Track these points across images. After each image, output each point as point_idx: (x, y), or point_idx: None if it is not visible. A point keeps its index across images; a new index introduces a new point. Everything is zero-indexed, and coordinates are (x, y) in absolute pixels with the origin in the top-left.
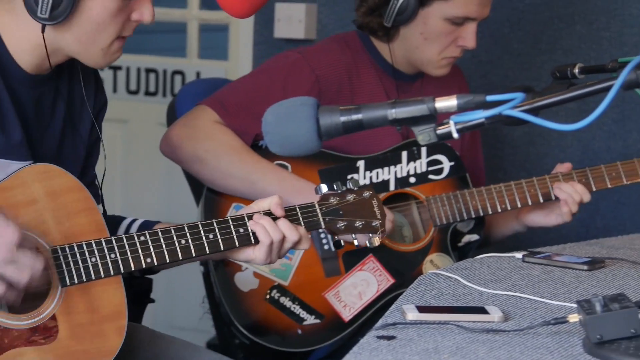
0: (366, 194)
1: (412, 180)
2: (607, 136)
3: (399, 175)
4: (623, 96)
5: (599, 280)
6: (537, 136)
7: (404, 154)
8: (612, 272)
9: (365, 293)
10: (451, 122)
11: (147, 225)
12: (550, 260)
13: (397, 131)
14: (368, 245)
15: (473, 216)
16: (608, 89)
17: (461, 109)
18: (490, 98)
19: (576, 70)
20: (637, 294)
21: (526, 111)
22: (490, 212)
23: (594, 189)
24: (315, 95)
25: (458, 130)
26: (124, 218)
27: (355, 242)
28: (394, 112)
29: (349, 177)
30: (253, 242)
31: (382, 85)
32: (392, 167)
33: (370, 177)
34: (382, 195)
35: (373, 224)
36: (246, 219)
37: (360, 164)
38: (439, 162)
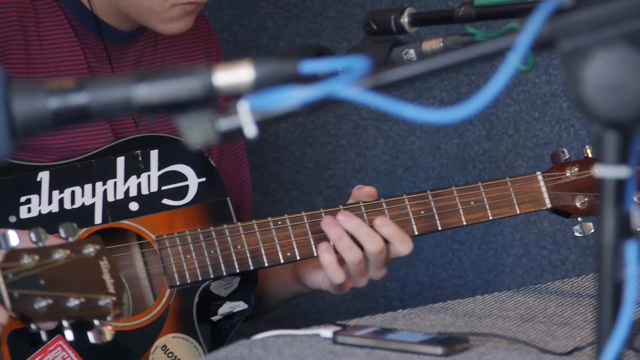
0: (89, 249)
1: (134, 206)
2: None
3: (110, 198)
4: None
5: None
6: (321, 132)
7: (120, 161)
8: (483, 357)
9: None
10: (244, 108)
11: None
12: (379, 341)
13: (107, 124)
14: (94, 340)
15: (238, 270)
16: (505, 50)
17: (261, 84)
18: (309, 67)
19: (405, 20)
20: None
21: (376, 89)
22: (267, 264)
23: (439, 228)
24: None
25: (259, 123)
26: None
27: (69, 336)
28: (147, 92)
29: (23, 199)
30: None
31: (81, 46)
32: (98, 184)
33: (61, 200)
34: (83, 232)
35: (100, 304)
36: None
37: (43, 176)
38: (180, 176)
